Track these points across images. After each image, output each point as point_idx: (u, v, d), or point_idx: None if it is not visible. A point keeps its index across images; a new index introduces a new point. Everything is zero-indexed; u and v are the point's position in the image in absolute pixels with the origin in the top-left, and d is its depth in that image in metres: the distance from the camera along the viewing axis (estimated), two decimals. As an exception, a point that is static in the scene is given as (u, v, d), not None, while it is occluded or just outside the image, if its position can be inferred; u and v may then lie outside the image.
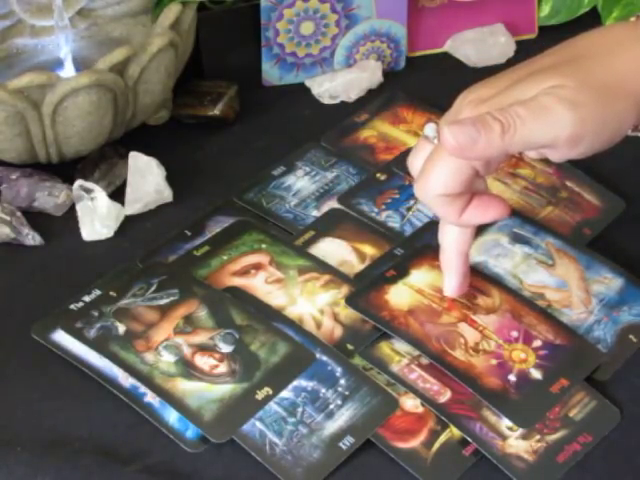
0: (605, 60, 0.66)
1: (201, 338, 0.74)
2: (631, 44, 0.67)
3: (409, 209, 0.84)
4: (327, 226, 0.82)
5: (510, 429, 0.69)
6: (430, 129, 0.68)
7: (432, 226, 0.82)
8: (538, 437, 0.69)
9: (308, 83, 0.97)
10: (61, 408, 0.71)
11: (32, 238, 0.82)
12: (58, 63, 0.88)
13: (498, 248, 0.80)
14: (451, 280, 0.73)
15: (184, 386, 0.71)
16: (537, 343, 0.73)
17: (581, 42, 0.68)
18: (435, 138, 0.68)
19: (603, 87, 0.65)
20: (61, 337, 0.74)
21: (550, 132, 0.64)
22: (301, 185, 0.86)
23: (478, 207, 0.68)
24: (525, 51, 1.01)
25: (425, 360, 0.72)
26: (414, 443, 0.69)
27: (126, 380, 0.72)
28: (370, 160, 0.89)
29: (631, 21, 0.68)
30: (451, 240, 0.72)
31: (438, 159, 0.66)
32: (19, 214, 0.83)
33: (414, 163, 0.70)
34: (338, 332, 0.75)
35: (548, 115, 0.63)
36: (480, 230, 0.80)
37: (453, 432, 0.69)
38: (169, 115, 0.92)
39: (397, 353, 0.73)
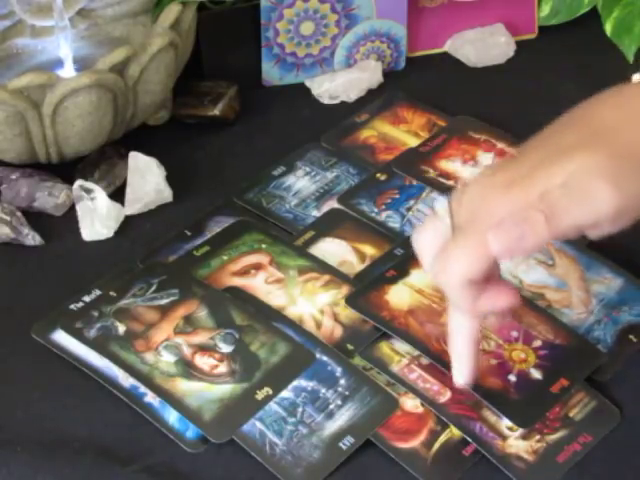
0: (632, 131, 0.64)
1: (201, 338, 0.74)
2: None
3: (409, 209, 0.84)
4: (327, 226, 0.82)
5: (510, 429, 0.69)
6: (441, 207, 0.66)
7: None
8: (538, 437, 0.69)
9: (308, 83, 0.97)
10: (61, 408, 0.71)
11: (32, 238, 0.82)
12: (58, 63, 0.88)
13: (498, 248, 0.80)
14: (463, 369, 0.69)
15: (184, 386, 0.71)
16: (537, 343, 0.73)
17: (598, 112, 0.66)
18: (447, 217, 0.65)
19: (636, 158, 0.63)
20: (61, 337, 0.74)
21: (596, 212, 0.62)
22: (301, 185, 0.86)
23: (492, 295, 0.66)
24: (525, 51, 1.01)
25: (425, 360, 0.73)
26: (414, 443, 0.69)
27: (126, 380, 0.72)
28: (370, 160, 0.89)
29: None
30: (465, 328, 0.68)
31: (465, 241, 0.63)
32: (19, 214, 0.83)
33: (422, 241, 0.67)
34: (338, 332, 0.75)
35: (591, 195, 0.61)
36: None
37: (453, 432, 0.69)
38: (169, 115, 0.92)
39: (397, 353, 0.73)
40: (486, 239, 0.62)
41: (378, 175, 0.87)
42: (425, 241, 0.67)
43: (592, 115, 0.66)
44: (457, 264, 0.63)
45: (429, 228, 0.67)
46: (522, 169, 0.63)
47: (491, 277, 0.65)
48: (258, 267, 0.79)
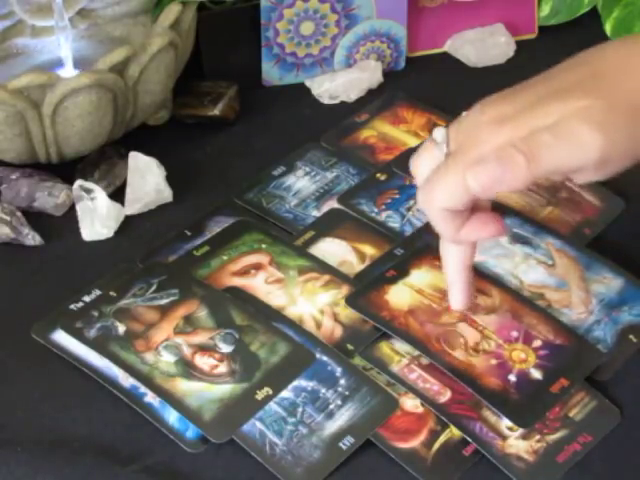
0: (629, 81, 0.64)
1: (201, 338, 0.74)
2: None
3: (409, 209, 0.84)
4: (327, 226, 0.82)
5: (510, 429, 0.69)
6: (439, 133, 0.66)
7: (432, 226, 0.82)
8: (538, 437, 0.69)
9: (308, 83, 0.97)
10: (61, 408, 0.71)
11: (32, 238, 0.82)
12: (58, 63, 0.88)
13: (498, 248, 0.80)
14: (457, 294, 0.72)
15: (184, 386, 0.71)
16: (537, 343, 0.73)
17: (599, 59, 0.66)
18: (444, 144, 0.66)
19: (629, 108, 0.63)
20: (61, 337, 0.74)
21: (579, 157, 0.62)
22: (301, 185, 0.86)
23: (475, 224, 0.67)
24: (525, 51, 1.01)
25: (425, 360, 0.73)
26: (414, 443, 0.69)
27: (126, 380, 0.72)
28: (370, 160, 0.89)
29: None
30: (453, 255, 0.70)
31: (446, 172, 0.64)
32: (19, 214, 0.83)
33: (418, 166, 0.69)
34: (338, 332, 0.75)
35: (576, 140, 0.61)
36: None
37: (453, 432, 0.69)
38: (169, 115, 0.93)
39: (397, 353, 0.73)
40: (465, 174, 0.62)
41: (378, 175, 0.87)
42: (420, 165, 0.68)
43: (595, 59, 0.66)
44: (437, 193, 0.64)
45: (425, 153, 0.68)
46: (517, 105, 0.64)
47: (478, 207, 0.67)
48: (258, 267, 0.79)
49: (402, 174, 0.86)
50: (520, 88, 0.66)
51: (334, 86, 0.96)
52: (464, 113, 0.67)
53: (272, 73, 0.97)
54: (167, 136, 0.92)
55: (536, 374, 0.72)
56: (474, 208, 0.67)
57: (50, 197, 0.84)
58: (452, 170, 0.64)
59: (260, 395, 0.70)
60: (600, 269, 0.79)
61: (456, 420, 0.69)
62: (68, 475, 0.67)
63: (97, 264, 0.80)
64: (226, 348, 0.73)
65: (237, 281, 0.78)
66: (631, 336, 0.75)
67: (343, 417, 0.70)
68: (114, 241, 0.83)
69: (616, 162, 0.63)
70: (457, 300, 0.73)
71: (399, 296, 0.76)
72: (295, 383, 0.71)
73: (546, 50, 1.02)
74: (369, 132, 0.92)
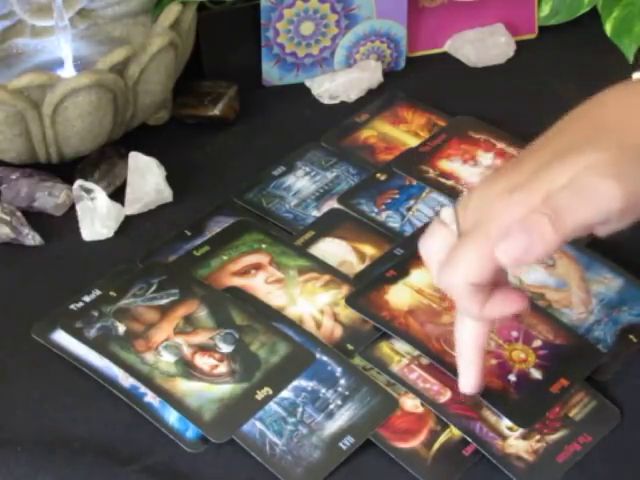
0: (634, 125, 0.63)
1: (201, 338, 0.74)
2: None
3: (409, 209, 0.84)
4: (327, 226, 0.82)
5: (510, 429, 0.69)
6: (447, 214, 0.65)
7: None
8: (538, 437, 0.69)
9: (308, 83, 0.97)
10: (61, 408, 0.71)
11: (32, 238, 0.82)
12: (58, 63, 0.88)
13: (498, 248, 0.80)
14: (470, 376, 0.69)
15: (184, 386, 0.71)
16: (537, 343, 0.73)
17: (599, 110, 0.65)
18: (453, 225, 0.65)
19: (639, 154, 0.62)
20: (61, 337, 0.74)
21: (601, 210, 0.61)
22: (301, 185, 0.86)
23: (500, 300, 0.65)
24: (525, 51, 1.01)
25: (425, 360, 0.73)
26: (414, 443, 0.69)
27: (126, 380, 0.72)
28: (370, 160, 0.89)
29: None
30: (471, 332, 0.67)
31: (468, 250, 0.63)
32: (19, 214, 0.83)
33: (429, 248, 0.66)
34: (338, 332, 0.75)
35: (595, 194, 0.61)
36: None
37: (453, 432, 0.69)
38: (169, 115, 0.93)
39: (397, 353, 0.73)
40: (491, 244, 0.61)
41: (378, 175, 0.87)
42: (432, 248, 0.66)
43: (594, 113, 0.65)
44: (463, 268, 0.63)
45: (436, 234, 0.66)
46: (526, 171, 0.63)
47: (499, 282, 0.65)
48: (258, 267, 0.79)
49: (402, 174, 0.86)
50: (524, 155, 0.65)
51: (334, 86, 0.96)
52: (465, 192, 0.66)
53: (272, 73, 0.97)
54: (167, 136, 0.92)
55: (536, 374, 0.72)
56: (495, 283, 0.65)
57: (50, 197, 0.84)
58: (474, 247, 0.63)
59: (260, 395, 0.70)
60: (600, 269, 0.79)
61: (456, 420, 0.69)
62: (68, 475, 0.67)
63: (97, 264, 0.80)
64: (226, 348, 0.73)
65: (237, 281, 0.78)
66: (631, 336, 0.75)
67: (343, 417, 0.70)
68: (114, 241, 0.83)
69: (638, 208, 0.63)
70: (468, 383, 0.69)
71: (399, 296, 0.76)
72: (295, 383, 0.71)
73: (546, 50, 1.02)
74: (369, 132, 0.92)
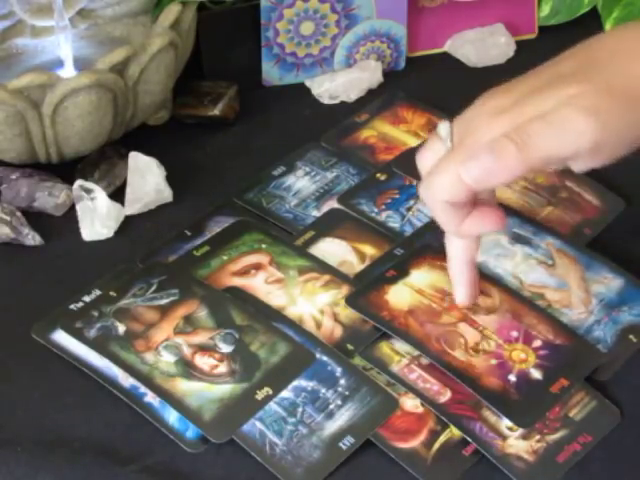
0: (624, 65, 0.64)
1: (201, 338, 0.74)
2: None
3: (409, 209, 0.84)
4: (327, 226, 0.82)
5: (510, 429, 0.69)
6: (444, 129, 0.66)
7: (432, 226, 0.82)
8: (538, 437, 0.69)
9: (308, 83, 0.97)
10: (61, 408, 0.71)
11: (32, 238, 0.82)
12: (58, 63, 0.88)
13: (498, 248, 0.80)
14: (461, 289, 0.73)
15: (184, 386, 0.71)
16: (537, 343, 0.73)
17: (597, 45, 0.66)
18: (448, 139, 0.66)
19: (623, 93, 0.63)
20: (61, 337, 0.74)
21: (571, 143, 0.62)
22: (301, 185, 0.86)
23: (476, 218, 0.67)
24: (525, 51, 1.01)
25: (425, 360, 0.72)
26: (414, 443, 0.69)
27: (126, 380, 0.72)
28: (370, 160, 0.89)
29: None
30: (457, 249, 0.71)
31: (447, 165, 0.65)
32: (19, 214, 0.83)
33: (423, 161, 0.69)
34: (338, 332, 0.75)
35: (568, 127, 0.61)
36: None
37: (453, 432, 0.69)
38: (169, 115, 0.93)
39: (397, 353, 0.73)
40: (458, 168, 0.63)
41: (378, 175, 0.87)
42: (425, 161, 0.68)
43: (592, 49, 0.66)
44: (436, 186, 0.65)
45: (430, 148, 0.68)
46: (514, 96, 0.64)
47: (482, 202, 0.67)
48: (258, 267, 0.79)
49: (402, 174, 0.86)
50: (520, 79, 0.66)
51: (334, 86, 0.96)
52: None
53: (272, 73, 0.97)
54: (167, 136, 0.92)
55: (536, 374, 0.72)
56: (478, 202, 0.67)
57: (50, 197, 0.84)
58: (449, 164, 0.64)
59: (260, 395, 0.70)
60: (600, 269, 0.79)
61: (456, 420, 0.69)
62: (68, 475, 0.67)
63: (97, 264, 0.80)
64: (226, 348, 0.73)
65: (237, 281, 0.78)
66: (631, 336, 0.75)
67: (343, 417, 0.70)
68: (114, 241, 0.83)
69: (612, 148, 0.63)
70: (461, 294, 0.73)
71: (399, 296, 0.76)
72: (295, 383, 0.71)
73: (546, 50, 1.01)
74: (369, 132, 0.92)
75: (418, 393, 0.71)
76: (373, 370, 0.72)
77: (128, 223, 0.84)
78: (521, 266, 0.79)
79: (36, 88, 0.79)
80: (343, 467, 0.68)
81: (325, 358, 0.73)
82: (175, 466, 0.68)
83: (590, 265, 0.79)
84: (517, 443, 0.69)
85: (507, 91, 0.66)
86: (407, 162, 0.88)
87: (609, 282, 0.78)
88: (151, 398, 0.71)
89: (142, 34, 0.89)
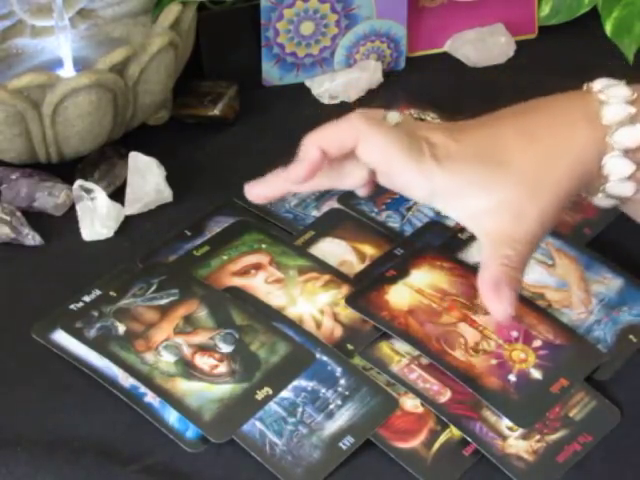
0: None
1: (201, 338, 0.74)
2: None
3: (409, 209, 0.84)
4: (327, 226, 0.82)
5: (510, 429, 0.69)
6: (393, 117, 0.70)
7: (432, 226, 0.82)
8: (538, 437, 0.69)
9: (308, 83, 0.97)
10: (61, 408, 0.71)
11: (32, 238, 0.82)
12: (58, 63, 0.88)
13: (498, 248, 0.80)
14: (297, 169, 0.73)
15: (184, 386, 0.71)
16: (537, 343, 0.73)
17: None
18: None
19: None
20: (61, 337, 0.74)
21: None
22: (301, 185, 0.86)
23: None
24: (525, 51, 1.01)
25: (425, 360, 0.73)
26: (414, 443, 0.69)
27: (126, 380, 0.72)
28: (370, 160, 0.89)
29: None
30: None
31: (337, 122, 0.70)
32: (19, 214, 0.83)
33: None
34: (338, 332, 0.75)
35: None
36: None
37: (453, 432, 0.69)
38: (169, 115, 0.93)
39: (397, 353, 0.73)
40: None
41: (378, 175, 0.87)
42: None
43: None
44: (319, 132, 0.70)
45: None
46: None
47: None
48: (258, 267, 0.79)
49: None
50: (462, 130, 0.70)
51: (334, 86, 0.96)
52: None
53: (272, 73, 0.97)
54: (167, 136, 0.92)
55: (536, 374, 0.72)
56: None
57: (50, 197, 0.84)
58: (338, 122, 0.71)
59: (260, 395, 0.70)
60: (600, 269, 0.79)
61: (456, 420, 0.69)
62: (68, 475, 0.67)
63: (97, 264, 0.80)
64: (226, 348, 0.73)
65: (237, 281, 0.78)
66: (631, 336, 0.75)
67: (343, 417, 0.70)
68: (114, 241, 0.83)
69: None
70: (296, 174, 0.72)
71: (399, 296, 0.76)
72: (295, 383, 0.71)
73: (546, 50, 1.02)
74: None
75: (418, 393, 0.71)
76: (373, 370, 0.72)
77: (128, 223, 0.84)
78: (521, 266, 0.79)
79: (36, 88, 0.79)
80: (343, 467, 0.68)
81: (325, 358, 0.73)
82: (175, 466, 0.68)
83: (590, 265, 0.79)
84: (517, 443, 0.69)
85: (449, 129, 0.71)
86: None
87: (609, 282, 0.78)
88: (151, 398, 0.71)
89: (142, 34, 0.89)
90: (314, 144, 0.70)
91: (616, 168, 0.68)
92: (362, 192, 0.74)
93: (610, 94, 0.69)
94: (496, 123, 0.70)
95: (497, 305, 0.67)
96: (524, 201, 0.67)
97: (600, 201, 0.71)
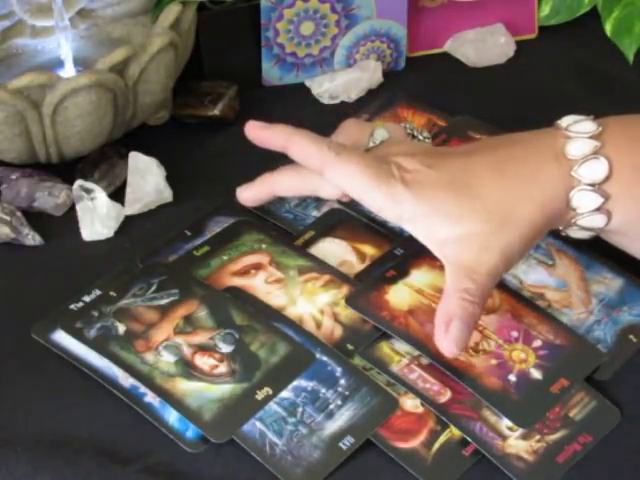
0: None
1: (201, 338, 0.74)
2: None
3: (409, 209, 0.84)
4: (327, 226, 0.82)
5: (510, 429, 0.69)
6: (380, 134, 0.76)
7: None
8: (538, 437, 0.69)
9: (308, 83, 0.97)
10: (61, 408, 0.71)
11: (32, 238, 0.82)
12: (58, 63, 0.88)
13: (498, 248, 0.80)
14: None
15: (184, 386, 0.71)
16: (537, 343, 0.74)
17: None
18: (373, 142, 0.78)
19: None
20: (61, 337, 0.74)
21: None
22: (301, 185, 0.86)
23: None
24: (525, 51, 1.01)
25: (425, 360, 0.73)
26: (414, 443, 0.69)
27: (126, 380, 0.72)
28: (370, 160, 0.89)
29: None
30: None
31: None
32: (19, 214, 0.83)
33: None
34: (338, 332, 0.75)
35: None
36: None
37: (453, 432, 0.69)
38: (169, 115, 0.93)
39: (397, 353, 0.73)
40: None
41: (378, 175, 0.87)
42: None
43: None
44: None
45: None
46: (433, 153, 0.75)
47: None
48: (258, 267, 0.79)
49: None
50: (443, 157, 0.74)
51: (334, 86, 0.96)
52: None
53: (272, 73, 0.97)
54: (167, 136, 0.92)
55: (536, 374, 0.72)
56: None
57: (50, 197, 0.84)
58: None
59: (260, 395, 0.70)
60: (600, 269, 0.79)
61: (456, 420, 0.69)
62: (68, 475, 0.67)
63: (97, 264, 0.80)
64: (226, 348, 0.73)
65: (237, 281, 0.78)
66: (631, 336, 0.75)
67: (343, 417, 0.70)
68: (114, 241, 0.83)
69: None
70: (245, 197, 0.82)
71: (399, 296, 0.76)
72: (295, 383, 0.71)
73: (546, 50, 1.02)
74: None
75: (418, 393, 0.71)
76: (373, 370, 0.72)
77: (128, 223, 0.84)
78: (521, 266, 0.79)
79: (36, 88, 0.79)
80: (343, 467, 0.68)
81: (325, 358, 0.73)
82: (175, 466, 0.68)
83: (590, 265, 0.79)
84: (517, 443, 0.69)
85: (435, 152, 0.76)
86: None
87: (609, 282, 0.78)
88: (151, 398, 0.71)
89: (142, 34, 0.89)
90: (268, 185, 0.80)
91: (583, 202, 0.71)
92: (344, 199, 0.78)
93: (575, 129, 0.72)
94: (471, 155, 0.73)
95: (442, 341, 0.69)
96: (489, 235, 0.70)
97: (575, 233, 0.74)
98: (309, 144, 0.76)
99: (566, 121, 0.73)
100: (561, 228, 0.74)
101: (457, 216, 0.70)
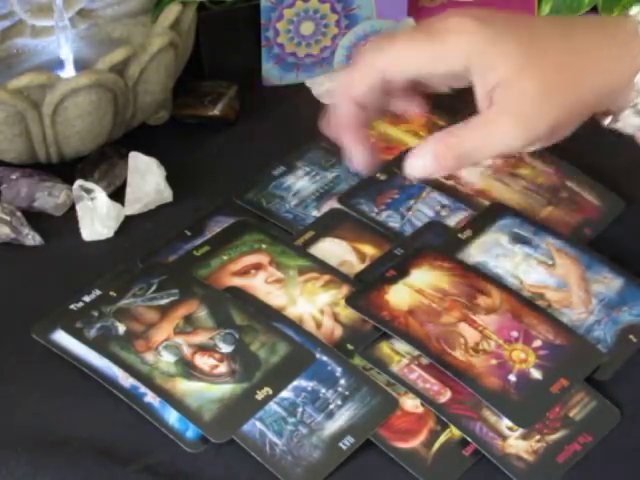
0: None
1: (201, 338, 0.74)
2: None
3: (409, 209, 0.84)
4: (327, 226, 0.82)
5: (510, 429, 0.69)
6: None
7: (432, 226, 0.82)
8: (538, 437, 0.69)
9: (308, 83, 0.97)
10: (61, 408, 0.71)
11: (32, 238, 0.82)
12: (58, 63, 0.88)
13: (498, 248, 0.80)
14: (356, 155, 0.74)
15: (184, 386, 0.71)
16: (537, 343, 0.73)
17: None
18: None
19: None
20: (61, 337, 0.74)
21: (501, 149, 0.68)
22: (301, 185, 0.86)
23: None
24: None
25: (425, 360, 0.73)
26: (414, 443, 0.69)
27: (126, 380, 0.72)
28: (370, 160, 0.89)
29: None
30: (350, 116, 0.74)
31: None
32: (19, 214, 0.83)
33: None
34: (338, 332, 0.75)
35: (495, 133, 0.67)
36: (480, 230, 0.81)
37: (453, 432, 0.69)
38: (169, 115, 0.93)
39: (397, 353, 0.73)
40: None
41: (378, 175, 0.87)
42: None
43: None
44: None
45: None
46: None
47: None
48: (258, 267, 0.79)
49: (402, 174, 0.86)
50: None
51: (334, 86, 0.96)
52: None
53: (272, 73, 0.97)
54: (167, 136, 0.92)
55: (536, 374, 0.72)
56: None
57: (50, 197, 0.84)
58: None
59: (260, 395, 0.70)
60: (600, 269, 0.79)
61: (456, 420, 0.69)
62: (68, 475, 0.67)
63: (97, 264, 0.80)
64: (226, 348, 0.73)
65: (237, 281, 0.78)
66: (631, 336, 0.75)
67: (343, 417, 0.70)
68: (114, 241, 0.83)
69: (559, 131, 0.67)
70: (358, 162, 0.74)
71: (399, 296, 0.76)
72: (295, 383, 0.71)
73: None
74: (369, 132, 0.91)
75: (418, 393, 0.71)
76: (373, 370, 0.72)
77: (128, 223, 0.84)
78: (521, 266, 0.79)
79: (36, 88, 0.79)
80: (343, 467, 0.68)
81: (325, 358, 0.73)
82: (175, 466, 0.68)
83: (590, 265, 0.79)
84: (517, 443, 0.69)
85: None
86: (407, 162, 0.88)
87: (609, 282, 0.78)
88: (151, 398, 0.71)
89: (142, 34, 0.89)
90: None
91: None
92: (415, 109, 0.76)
93: None
94: (536, 20, 0.71)
95: (412, 159, 0.70)
96: (543, 95, 0.67)
97: (627, 118, 0.70)
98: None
99: (636, 9, 0.70)
100: (614, 110, 0.71)
101: (522, 62, 0.67)
